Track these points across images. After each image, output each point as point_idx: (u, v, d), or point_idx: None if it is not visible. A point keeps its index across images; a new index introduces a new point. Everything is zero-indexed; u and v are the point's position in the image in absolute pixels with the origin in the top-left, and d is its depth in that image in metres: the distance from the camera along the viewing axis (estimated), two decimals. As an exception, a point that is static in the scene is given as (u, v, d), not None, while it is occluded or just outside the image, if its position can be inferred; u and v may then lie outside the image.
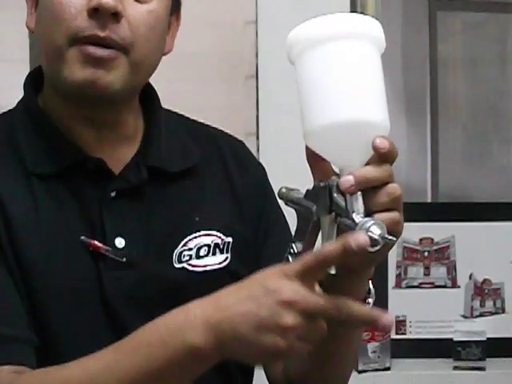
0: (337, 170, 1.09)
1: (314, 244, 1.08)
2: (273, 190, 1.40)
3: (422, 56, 3.83)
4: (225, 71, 2.49)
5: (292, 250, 1.08)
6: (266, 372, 1.37)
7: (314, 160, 1.09)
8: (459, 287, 2.38)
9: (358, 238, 0.96)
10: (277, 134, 2.31)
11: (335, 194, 1.05)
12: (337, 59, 1.05)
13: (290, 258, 1.08)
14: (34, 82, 1.31)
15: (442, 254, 2.37)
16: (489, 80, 3.96)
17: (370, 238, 0.99)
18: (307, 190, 1.09)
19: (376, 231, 1.01)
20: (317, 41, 1.05)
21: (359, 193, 1.04)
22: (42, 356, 1.18)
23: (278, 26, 2.21)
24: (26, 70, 2.59)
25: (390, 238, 1.01)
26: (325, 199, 1.06)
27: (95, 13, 1.17)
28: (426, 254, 2.36)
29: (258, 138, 2.34)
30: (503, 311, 2.38)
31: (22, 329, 1.18)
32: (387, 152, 1.04)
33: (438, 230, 2.35)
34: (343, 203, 1.04)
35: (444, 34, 3.91)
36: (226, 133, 1.43)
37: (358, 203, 1.04)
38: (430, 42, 3.89)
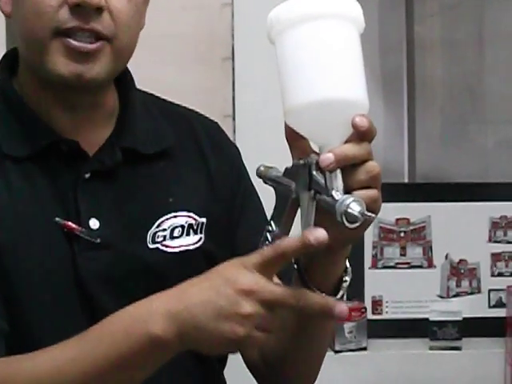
0: (315, 149, 1.09)
1: (292, 222, 1.09)
2: (247, 171, 1.42)
3: (398, 37, 3.83)
4: (201, 53, 2.49)
5: (270, 228, 1.09)
6: (242, 354, 1.37)
7: (293, 138, 1.10)
8: (435, 267, 2.40)
9: (317, 234, 0.98)
10: (253, 115, 2.32)
11: (314, 172, 1.06)
12: (316, 38, 1.06)
13: (268, 236, 1.09)
14: (9, 64, 1.31)
15: (418, 234, 2.38)
16: (466, 61, 3.97)
17: (350, 214, 1.01)
18: (286, 168, 1.10)
19: (356, 208, 1.02)
20: (297, 20, 1.05)
21: (338, 170, 1.05)
22: (16, 339, 1.18)
23: (253, 7, 2.22)
24: (2, 51, 2.60)
25: (370, 214, 1.02)
26: (304, 177, 1.07)
27: (77, 7, 1.17)
28: (402, 234, 2.37)
29: (234, 119, 2.34)
30: (479, 291, 2.39)
31: None
32: (366, 130, 1.05)
33: (414, 211, 2.36)
34: (322, 181, 1.05)
35: (421, 15, 3.91)
36: (201, 114, 1.44)
37: (338, 181, 1.05)
38: (406, 22, 3.89)
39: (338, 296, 1.18)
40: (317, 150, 1.09)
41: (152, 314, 1.04)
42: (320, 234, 0.98)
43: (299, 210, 1.09)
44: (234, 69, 2.36)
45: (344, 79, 1.06)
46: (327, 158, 1.04)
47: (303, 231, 1.02)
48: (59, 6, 1.18)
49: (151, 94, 1.40)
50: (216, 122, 1.45)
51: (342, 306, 1.01)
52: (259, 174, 1.14)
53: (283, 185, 1.09)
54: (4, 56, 1.33)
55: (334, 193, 1.04)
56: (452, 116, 4.01)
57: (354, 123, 1.04)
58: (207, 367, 1.35)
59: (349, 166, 1.05)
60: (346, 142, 1.06)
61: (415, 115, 3.87)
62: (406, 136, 3.85)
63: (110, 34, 1.20)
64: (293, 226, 1.10)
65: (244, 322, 0.99)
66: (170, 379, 1.26)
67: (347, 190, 1.05)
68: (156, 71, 2.13)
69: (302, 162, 1.08)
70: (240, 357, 1.38)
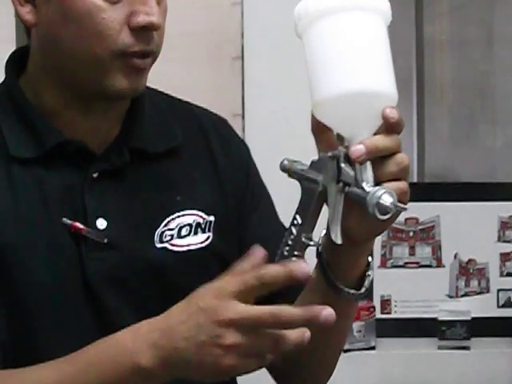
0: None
1: (318, 216, 1.08)
2: (256, 168, 1.41)
3: (408, 37, 3.83)
4: (211, 52, 2.49)
5: (296, 222, 1.07)
6: None
7: (320, 130, 1.10)
8: (444, 267, 2.39)
9: (302, 268, 0.99)
10: (262, 114, 2.32)
11: (343, 164, 1.05)
12: (345, 30, 1.06)
13: (294, 230, 1.06)
14: (17, 62, 1.30)
15: (427, 233, 2.38)
16: (475, 61, 3.96)
17: (382, 206, 1.01)
18: (312, 161, 1.08)
19: (388, 199, 1.02)
20: (325, 12, 1.06)
21: (369, 162, 1.04)
22: (22, 342, 1.18)
23: (263, 6, 2.23)
24: (12, 48, 2.60)
25: (401, 205, 1.03)
26: (332, 169, 1.06)
27: (141, 29, 1.18)
28: (411, 233, 2.38)
29: (243, 118, 2.34)
30: (488, 291, 2.39)
31: None
32: (396, 121, 1.04)
33: (423, 210, 2.38)
34: (352, 173, 1.05)
35: (430, 15, 3.91)
36: (210, 111, 1.43)
37: (368, 172, 1.05)
38: (416, 23, 3.89)
39: (362, 290, 1.17)
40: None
41: (138, 346, 1.05)
42: (304, 269, 0.99)
43: (325, 204, 1.08)
44: (243, 68, 2.36)
45: (373, 71, 1.06)
46: (358, 149, 1.04)
47: (291, 263, 1.02)
48: (120, 27, 1.18)
49: (161, 92, 1.39)
50: (225, 119, 1.44)
51: (327, 310, 0.99)
52: (284, 168, 1.11)
53: (310, 178, 1.07)
54: (11, 54, 1.32)
55: (364, 185, 1.04)
56: (461, 116, 4.01)
57: (384, 115, 1.04)
58: None
59: (378, 158, 1.05)
60: (375, 134, 1.06)
61: (424, 115, 3.87)
62: (415, 136, 3.85)
63: (156, 49, 1.22)
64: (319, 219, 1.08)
65: (227, 353, 0.99)
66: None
67: (377, 182, 1.05)
68: (166, 70, 2.12)
69: (329, 154, 1.06)
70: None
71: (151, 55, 1.21)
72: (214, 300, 1.01)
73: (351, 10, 1.07)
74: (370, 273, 1.18)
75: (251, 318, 1.00)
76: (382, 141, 1.05)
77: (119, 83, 1.20)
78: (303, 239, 1.06)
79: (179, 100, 1.40)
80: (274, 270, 1.00)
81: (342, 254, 1.14)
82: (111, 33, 1.18)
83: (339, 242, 1.07)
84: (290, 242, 1.06)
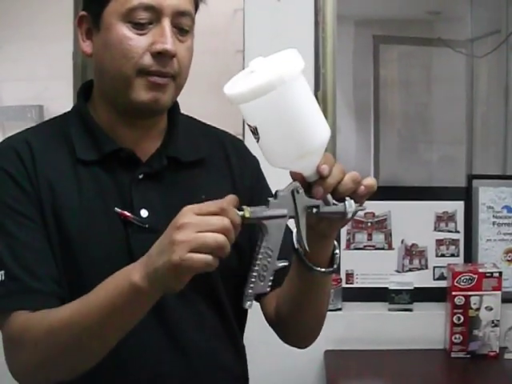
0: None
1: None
2: (264, 177, 1.41)
3: (367, 77, 3.85)
4: (219, 88, 2.48)
5: (268, 254, 1.03)
6: (262, 311, 1.37)
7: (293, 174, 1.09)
8: (394, 249, 2.38)
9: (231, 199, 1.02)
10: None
11: (304, 195, 1.05)
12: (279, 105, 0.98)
13: (266, 262, 1.03)
14: (84, 92, 1.31)
15: (381, 224, 2.37)
16: (417, 96, 3.97)
17: (354, 211, 1.07)
18: (270, 201, 1.04)
19: (354, 206, 1.07)
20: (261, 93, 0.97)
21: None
22: None
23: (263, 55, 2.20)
24: (69, 85, 2.61)
25: (362, 208, 1.09)
26: (293, 200, 1.05)
27: (159, 54, 1.18)
28: (369, 224, 2.36)
29: (243, 136, 2.32)
30: (426, 267, 2.37)
31: (46, 282, 1.17)
32: (329, 171, 1.05)
33: (378, 207, 2.35)
34: (309, 199, 1.06)
35: (384, 61, 3.92)
36: (229, 133, 1.44)
37: (329, 196, 1.07)
38: (374, 67, 3.91)
39: (334, 267, 1.18)
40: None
41: (134, 266, 1.05)
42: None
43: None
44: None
45: (310, 132, 1.01)
46: (319, 190, 1.06)
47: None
48: (143, 52, 1.19)
49: (192, 117, 1.40)
50: (241, 140, 1.45)
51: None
52: (247, 220, 1.02)
53: (277, 216, 1.04)
54: (81, 87, 1.33)
55: (334, 202, 1.07)
56: (406, 137, 4.02)
57: (319, 171, 1.05)
58: (231, 330, 1.33)
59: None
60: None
61: (379, 136, 3.88)
62: (372, 151, 3.87)
63: (175, 74, 1.21)
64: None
65: (177, 247, 0.98)
66: (204, 340, 1.27)
67: (342, 197, 1.08)
68: (185, 99, 2.14)
69: (289, 190, 1.05)
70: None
71: (170, 77, 1.20)
72: (179, 216, 1.01)
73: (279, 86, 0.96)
74: (337, 251, 1.19)
75: (198, 222, 0.99)
76: (331, 179, 1.06)
77: (142, 97, 1.20)
78: (279, 264, 1.04)
79: (205, 123, 1.41)
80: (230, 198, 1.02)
81: (316, 243, 1.14)
82: (135, 56, 1.18)
83: (308, 250, 1.09)
84: (264, 273, 1.02)
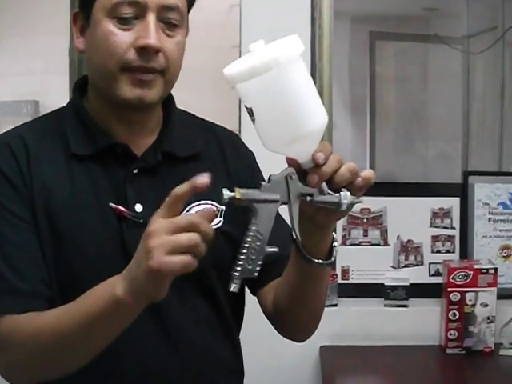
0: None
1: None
2: (260, 170, 1.40)
3: (364, 74, 3.84)
4: (215, 84, 2.48)
5: (257, 237, 1.02)
6: (261, 306, 1.37)
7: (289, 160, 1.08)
8: (389, 245, 2.39)
9: (200, 178, 1.03)
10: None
11: (299, 182, 1.04)
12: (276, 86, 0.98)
13: (255, 245, 1.02)
14: (80, 87, 1.31)
15: (376, 220, 2.37)
16: (413, 93, 3.97)
17: (350, 203, 1.05)
18: (263, 185, 1.04)
19: (349, 197, 1.05)
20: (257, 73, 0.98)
21: None
22: (69, 301, 1.15)
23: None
24: (65, 80, 2.61)
25: (358, 200, 1.07)
26: (287, 186, 1.04)
27: (142, 50, 1.18)
28: (364, 220, 2.37)
29: (239, 133, 2.32)
30: (422, 264, 2.39)
31: (35, 284, 1.17)
32: (324, 159, 1.03)
33: (374, 203, 2.36)
34: (302, 186, 1.04)
35: (380, 57, 3.92)
36: (225, 127, 1.43)
37: (324, 184, 1.06)
38: (370, 63, 3.91)
39: (332, 259, 1.17)
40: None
41: (116, 279, 1.04)
42: (202, 179, 1.03)
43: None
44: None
45: (303, 117, 1.00)
46: (314, 178, 1.04)
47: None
48: (127, 48, 1.18)
49: (187, 112, 1.39)
50: (236, 134, 1.45)
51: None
52: (239, 202, 1.02)
53: (268, 199, 1.03)
54: (76, 82, 1.33)
55: (329, 191, 1.05)
56: (402, 133, 4.02)
57: (314, 159, 1.03)
58: (226, 324, 1.33)
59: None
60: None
61: (375, 132, 3.88)
62: (368, 147, 3.88)
63: (162, 69, 1.20)
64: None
65: (153, 253, 0.97)
66: (200, 334, 1.27)
67: (337, 188, 1.06)
68: (180, 95, 2.14)
69: (282, 175, 1.04)
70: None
71: (156, 72, 1.20)
72: (149, 225, 1.00)
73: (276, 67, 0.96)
74: (335, 244, 1.18)
75: (168, 224, 0.98)
76: (326, 168, 1.04)
77: (127, 93, 1.19)
78: (268, 249, 1.03)
79: (202, 119, 1.41)
80: (178, 188, 1.01)
81: (315, 235, 1.13)
82: (119, 51, 1.18)
83: (300, 239, 1.08)
84: (253, 257, 1.02)
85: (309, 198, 1.05)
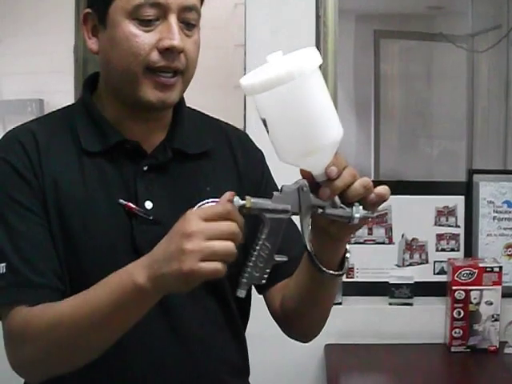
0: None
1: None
2: (269, 170, 1.41)
3: (368, 72, 3.85)
4: (220, 83, 2.47)
5: (265, 247, 1.03)
6: (268, 306, 1.37)
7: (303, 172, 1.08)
8: (394, 244, 2.38)
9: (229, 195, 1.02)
10: (263, 129, 2.29)
11: (311, 194, 1.04)
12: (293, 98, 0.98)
13: (263, 253, 1.03)
14: (90, 84, 1.31)
15: (381, 218, 2.37)
16: (417, 91, 3.98)
17: (361, 217, 1.04)
18: (275, 195, 1.04)
19: (362, 213, 1.05)
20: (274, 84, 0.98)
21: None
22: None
23: (263, 48, 2.18)
24: (70, 79, 2.62)
25: (370, 215, 1.06)
26: (298, 198, 1.04)
27: (166, 50, 1.18)
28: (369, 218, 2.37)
29: (244, 130, 2.32)
30: (426, 262, 2.38)
31: (47, 276, 1.18)
32: (337, 173, 1.04)
33: (379, 201, 2.36)
34: (315, 198, 1.04)
35: (385, 56, 3.93)
36: (235, 126, 1.44)
37: (337, 198, 1.05)
38: (374, 62, 3.91)
39: (343, 271, 1.16)
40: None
41: (136, 268, 1.05)
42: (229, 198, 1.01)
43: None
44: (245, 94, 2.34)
45: (317, 131, 1.00)
46: (325, 191, 1.04)
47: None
48: (150, 49, 1.18)
49: (196, 110, 1.39)
50: (246, 133, 1.45)
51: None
52: (248, 210, 1.02)
53: (279, 210, 1.03)
54: (86, 79, 1.33)
55: (341, 205, 1.05)
56: (407, 132, 4.03)
57: (327, 173, 1.03)
58: (234, 322, 1.33)
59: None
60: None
61: (380, 131, 3.89)
62: (372, 146, 3.88)
63: (183, 69, 1.21)
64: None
65: (188, 256, 0.98)
66: (207, 332, 1.27)
67: (350, 202, 1.05)
68: (185, 93, 2.14)
69: (295, 186, 1.04)
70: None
71: (177, 73, 1.20)
72: (184, 221, 1.01)
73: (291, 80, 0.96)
74: (347, 255, 1.17)
75: (208, 229, 0.99)
76: (339, 182, 1.04)
77: (149, 96, 1.20)
78: (277, 258, 1.03)
79: (211, 117, 1.41)
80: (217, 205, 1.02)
81: (328, 248, 1.13)
82: (142, 53, 1.18)
83: (311, 250, 1.07)
84: (261, 265, 1.02)
85: (320, 211, 1.05)
